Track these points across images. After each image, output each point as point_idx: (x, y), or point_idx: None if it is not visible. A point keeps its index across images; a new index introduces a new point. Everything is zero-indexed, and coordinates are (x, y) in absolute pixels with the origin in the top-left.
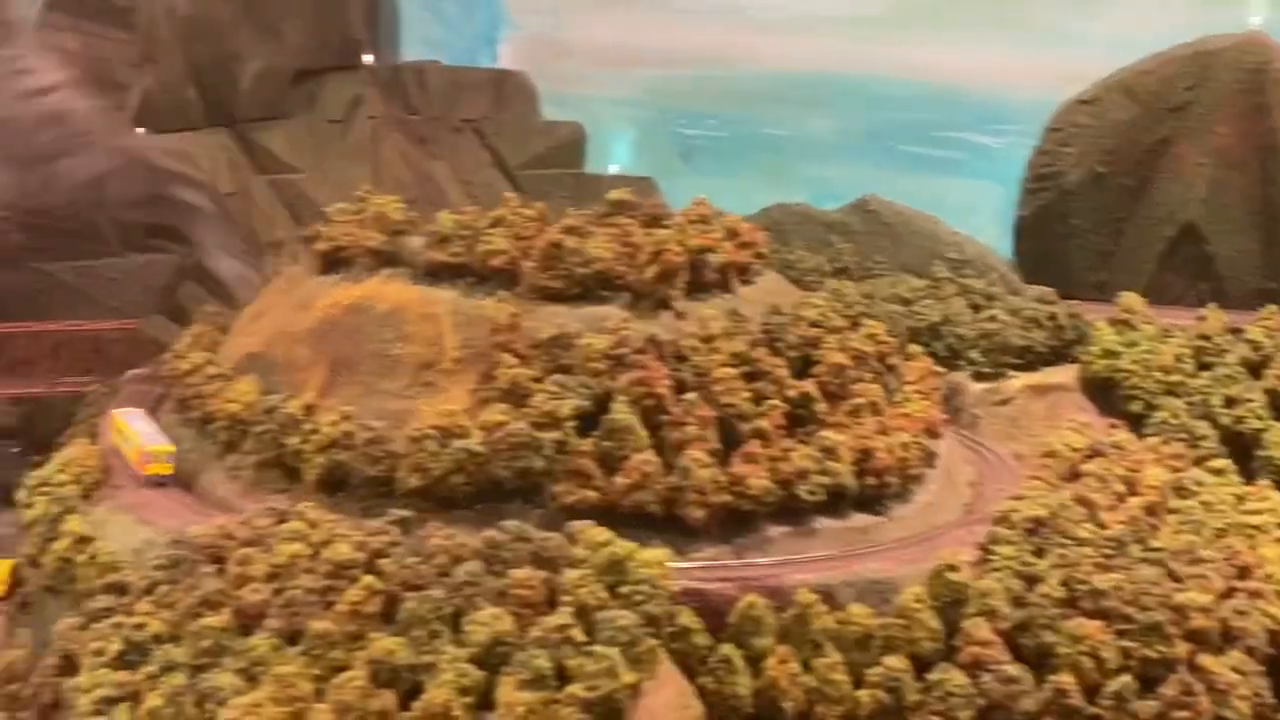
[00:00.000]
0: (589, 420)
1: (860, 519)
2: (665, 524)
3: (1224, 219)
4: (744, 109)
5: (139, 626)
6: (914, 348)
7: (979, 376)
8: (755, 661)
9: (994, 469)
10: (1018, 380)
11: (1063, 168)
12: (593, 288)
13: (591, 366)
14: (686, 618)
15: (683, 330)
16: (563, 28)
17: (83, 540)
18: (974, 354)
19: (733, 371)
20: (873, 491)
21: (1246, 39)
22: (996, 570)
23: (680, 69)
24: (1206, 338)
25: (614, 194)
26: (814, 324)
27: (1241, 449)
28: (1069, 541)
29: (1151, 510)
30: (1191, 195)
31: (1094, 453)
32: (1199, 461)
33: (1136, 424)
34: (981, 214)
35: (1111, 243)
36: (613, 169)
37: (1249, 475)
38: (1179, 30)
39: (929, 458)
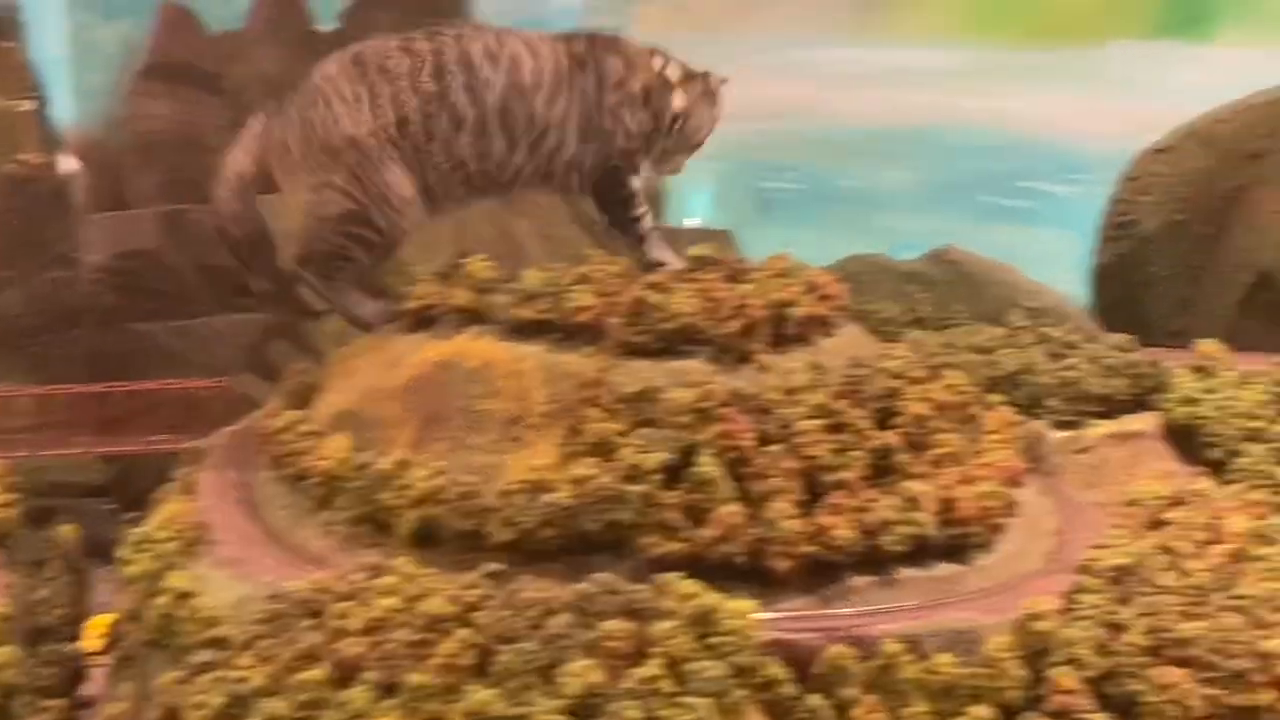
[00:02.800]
0: (675, 473)
1: (944, 568)
2: (751, 575)
3: None
4: (821, 162)
5: (240, 680)
6: (994, 397)
7: (1059, 425)
8: (842, 711)
9: (1076, 518)
10: (1098, 428)
11: (1140, 216)
12: (677, 342)
13: (676, 420)
14: (774, 668)
15: (765, 383)
16: None
17: (184, 595)
18: (1053, 402)
19: (815, 423)
20: (956, 541)
21: None
22: (1081, 619)
23: (759, 123)
24: None
25: (695, 250)
26: (895, 375)
27: None
28: (1152, 589)
29: (1235, 558)
30: (1268, 242)
31: (1176, 501)
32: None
33: (1218, 470)
34: (1059, 263)
35: (1190, 290)
36: (689, 222)
37: None
38: (1252, 79)
39: (1011, 507)
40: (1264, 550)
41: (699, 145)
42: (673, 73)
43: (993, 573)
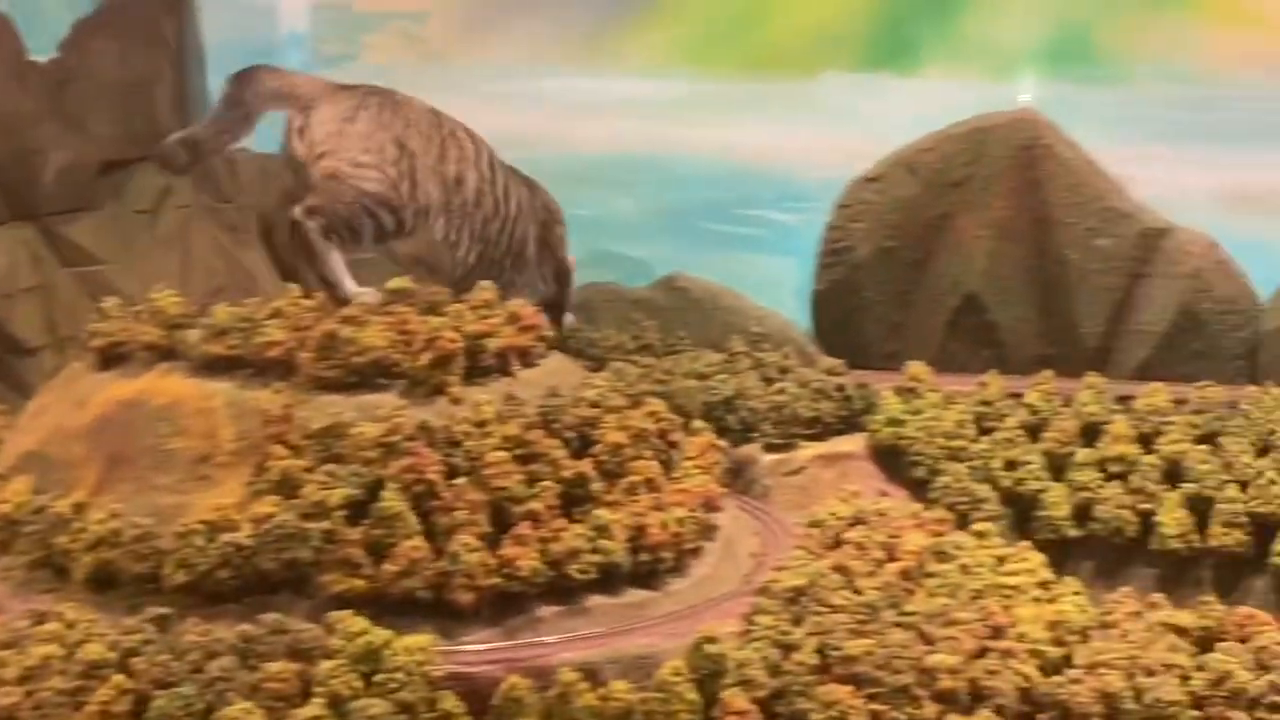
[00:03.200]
0: (360, 509)
1: (634, 595)
2: (435, 609)
3: (1002, 289)
4: (553, 191)
5: None
6: (699, 423)
7: (770, 448)
8: None
9: (779, 539)
10: (807, 450)
11: (853, 242)
12: (369, 376)
13: (363, 455)
14: (449, 703)
15: (456, 416)
16: None
17: None
18: (766, 426)
19: (505, 455)
20: (646, 567)
21: (1018, 116)
22: (756, 640)
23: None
24: (988, 403)
25: (394, 282)
26: (593, 404)
27: (1022, 510)
28: (825, 609)
29: (907, 575)
30: (972, 267)
31: (857, 520)
32: (971, 525)
33: (921, 489)
34: (783, 289)
35: (901, 314)
36: None
37: (1029, 535)
38: (955, 109)
39: (707, 531)
40: (938, 567)
41: None
42: None
43: (683, 597)
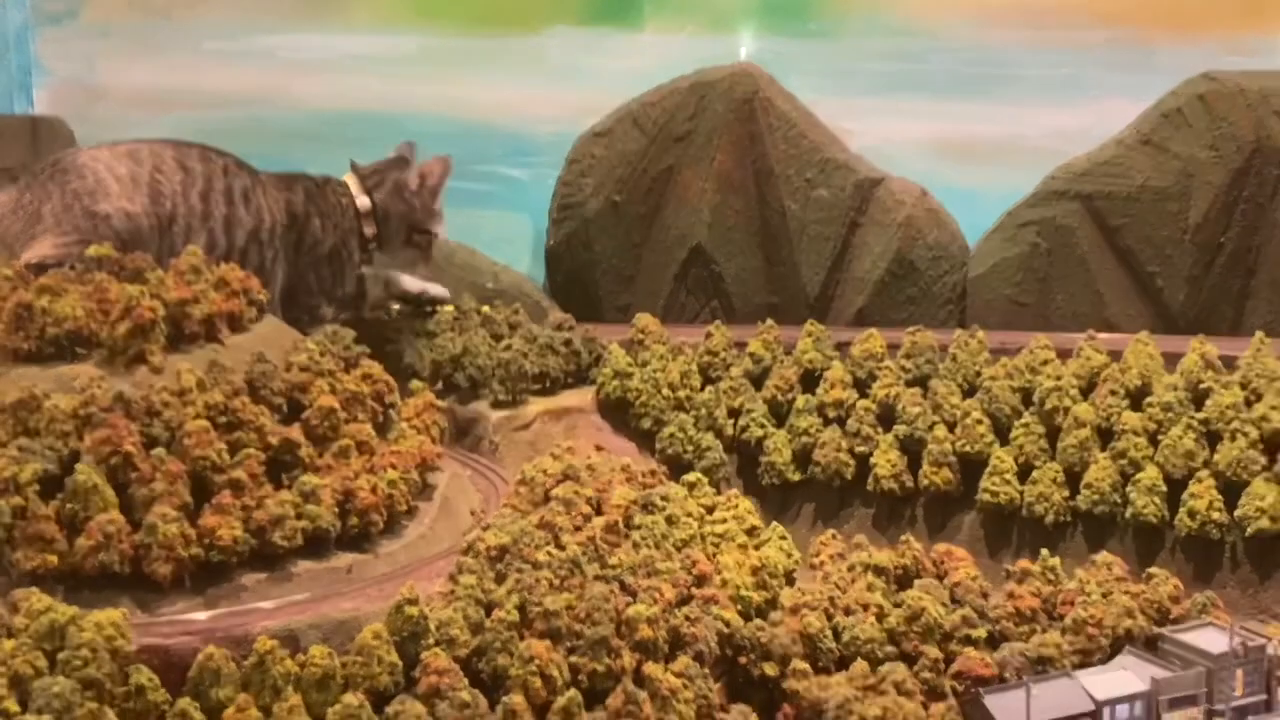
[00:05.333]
0: (56, 484)
1: (343, 559)
2: (136, 583)
3: (727, 240)
4: (283, 149)
5: None
6: (417, 383)
7: (498, 404)
8: (215, 713)
9: (501, 497)
10: (535, 406)
11: (582, 198)
12: (66, 348)
13: (57, 428)
14: (142, 676)
15: (155, 385)
16: (96, 73)
17: None
18: (494, 383)
19: (205, 424)
20: (357, 530)
21: (738, 70)
22: (458, 600)
23: (215, 110)
24: (713, 353)
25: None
26: (304, 368)
27: (748, 457)
28: (528, 565)
29: (611, 528)
30: (698, 219)
31: (565, 476)
32: (691, 473)
33: (649, 440)
34: (517, 245)
35: (632, 267)
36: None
37: (755, 481)
38: (678, 64)
39: (424, 491)
40: (643, 519)
41: None
42: None
43: (396, 558)
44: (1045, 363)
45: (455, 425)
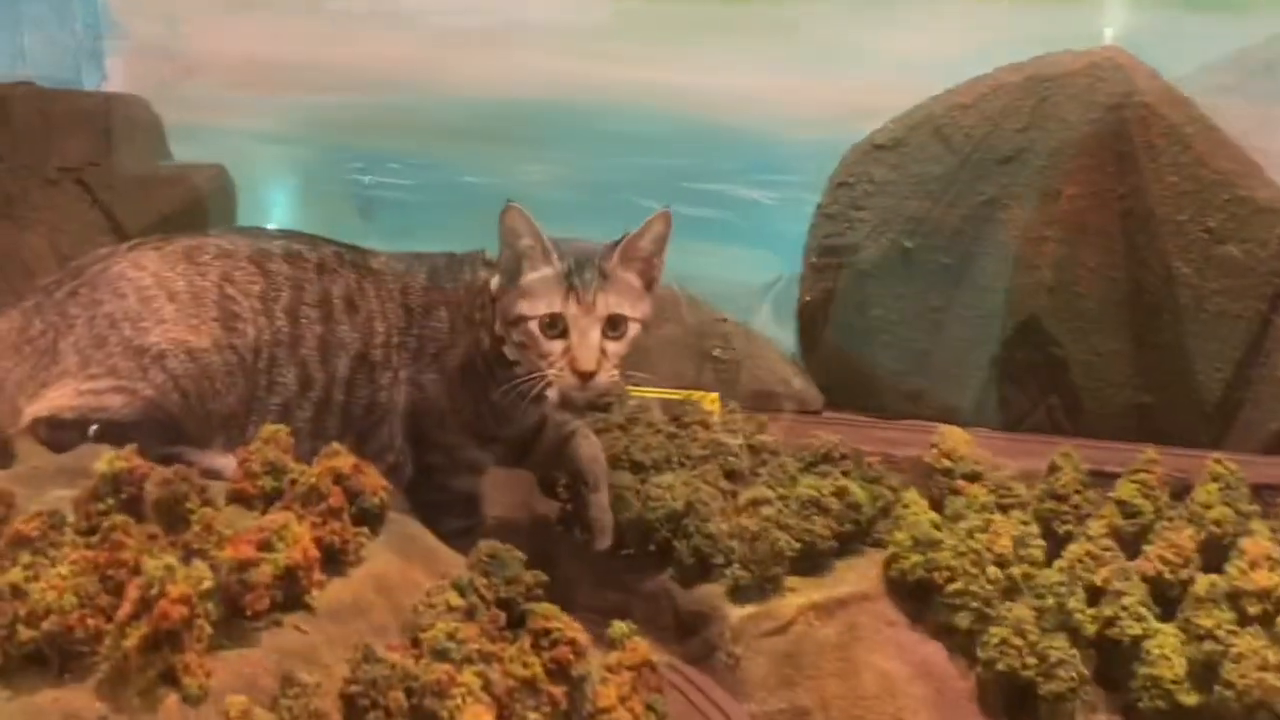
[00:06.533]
0: None
1: None
2: None
3: (1077, 311)
4: (435, 149)
5: None
6: (620, 626)
7: (739, 593)
8: None
9: None
10: (795, 597)
11: (855, 239)
12: (52, 659)
13: None
14: None
15: None
16: (180, 35)
17: None
18: (735, 567)
19: None
20: None
21: (1101, 58)
22: None
23: (344, 94)
24: (1060, 497)
25: (105, 461)
26: (439, 651)
27: (1117, 664)
28: None
29: None
30: (1032, 279)
31: None
32: (1064, 702)
33: (965, 643)
34: (757, 295)
35: (928, 341)
36: (272, 228)
37: (1127, 700)
38: (1007, 45)
39: None
40: None
41: None
42: None
43: None
44: None
45: (675, 616)
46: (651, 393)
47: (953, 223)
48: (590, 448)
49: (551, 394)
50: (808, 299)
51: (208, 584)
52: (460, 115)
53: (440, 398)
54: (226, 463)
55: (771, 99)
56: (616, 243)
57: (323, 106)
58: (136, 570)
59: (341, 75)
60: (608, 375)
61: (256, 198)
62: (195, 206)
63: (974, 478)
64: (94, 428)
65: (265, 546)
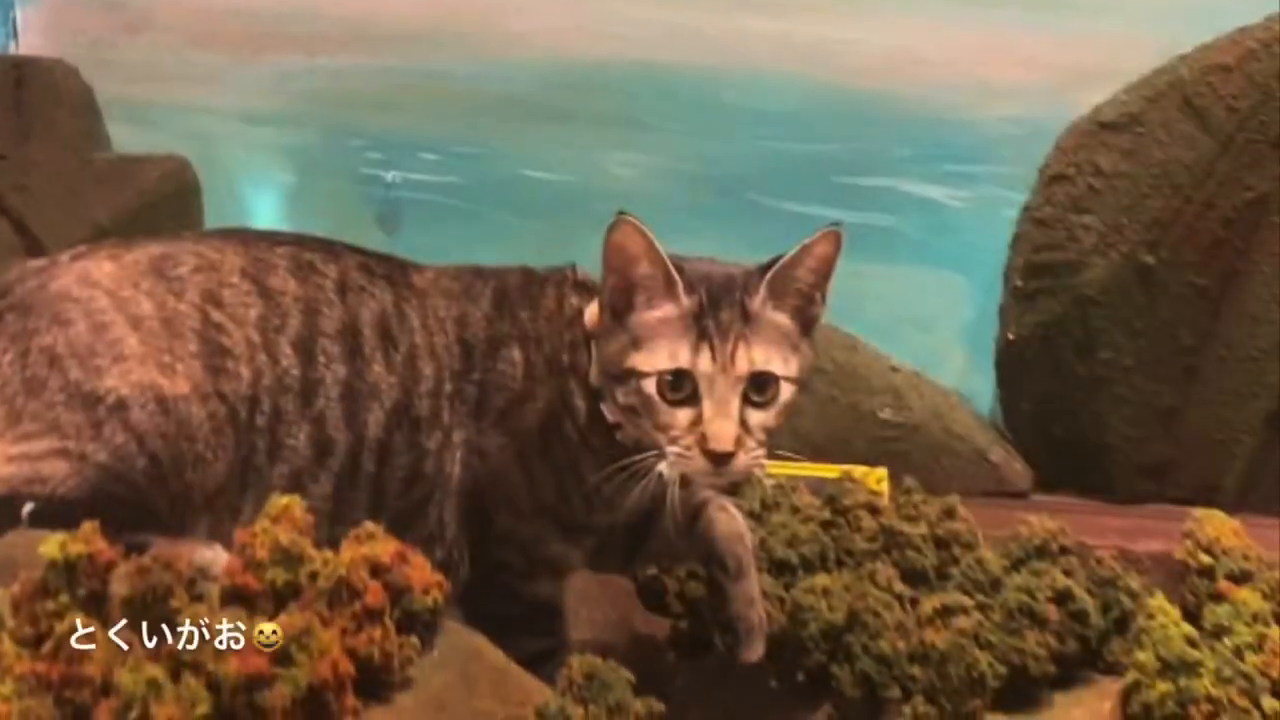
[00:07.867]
0: None
1: None
2: None
3: None
4: (486, 133)
5: None
6: None
7: None
8: None
9: None
10: None
11: (1076, 252)
12: None
13: None
14: None
15: None
16: None
17: None
18: (917, 703)
19: None
20: None
21: None
22: None
23: (353, 56)
24: None
25: (50, 544)
26: None
27: None
28: None
29: None
30: None
31: None
32: None
33: None
34: (939, 333)
35: (1177, 395)
36: (273, 230)
37: None
38: None
39: None
40: None
41: None
42: None
43: None
44: None
45: None
46: (797, 469)
47: (1210, 230)
48: (729, 522)
49: (669, 474)
50: (1010, 338)
51: (204, 708)
52: (521, 85)
53: (510, 470)
54: (213, 556)
55: (956, 61)
56: (765, 268)
57: (323, 74)
58: (107, 690)
59: (350, 29)
60: (750, 456)
61: (230, 202)
62: (143, 214)
63: (1243, 578)
64: (28, 507)
65: (281, 658)
